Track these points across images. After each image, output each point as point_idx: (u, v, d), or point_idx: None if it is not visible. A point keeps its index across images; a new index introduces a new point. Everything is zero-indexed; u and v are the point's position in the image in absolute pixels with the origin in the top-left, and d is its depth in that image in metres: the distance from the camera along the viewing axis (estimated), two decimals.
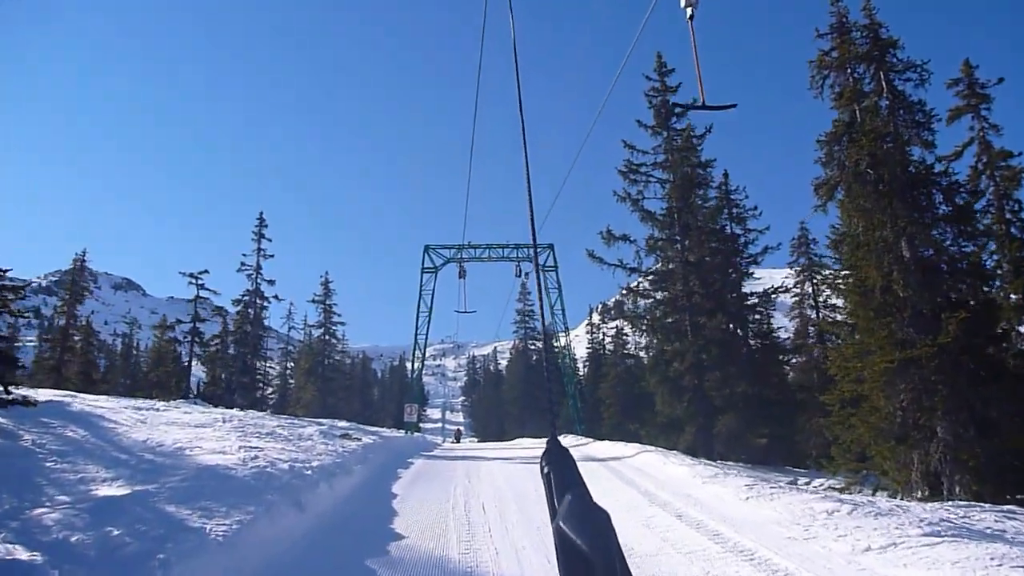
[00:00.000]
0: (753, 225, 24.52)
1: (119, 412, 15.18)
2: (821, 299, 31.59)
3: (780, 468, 20.36)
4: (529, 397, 70.46)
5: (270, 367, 56.18)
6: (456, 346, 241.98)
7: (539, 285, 2.52)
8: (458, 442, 56.49)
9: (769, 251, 23.63)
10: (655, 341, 23.08)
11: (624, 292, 24.05)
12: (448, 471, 15.15)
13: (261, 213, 39.81)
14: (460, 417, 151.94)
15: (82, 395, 20.01)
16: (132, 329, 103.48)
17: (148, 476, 8.86)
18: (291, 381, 55.28)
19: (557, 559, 1.02)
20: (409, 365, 37.91)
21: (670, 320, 22.61)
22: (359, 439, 17.58)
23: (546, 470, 1.25)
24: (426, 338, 35.86)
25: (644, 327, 23.35)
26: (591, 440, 25.24)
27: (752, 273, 24.07)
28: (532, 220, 2.05)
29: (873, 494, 14.35)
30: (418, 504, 10.80)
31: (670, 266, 23.15)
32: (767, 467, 20.05)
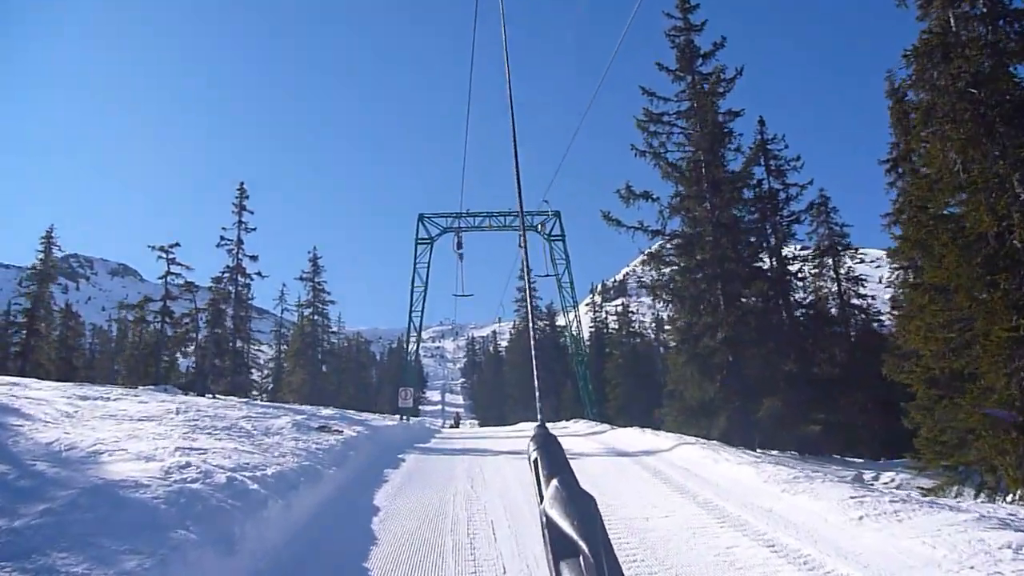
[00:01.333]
0: (794, 179, 21.79)
1: (49, 403, 12.43)
2: (842, 270, 28.75)
3: (834, 459, 17.72)
4: (531, 379, 67.61)
5: (260, 350, 53.53)
6: (455, 328, 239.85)
7: (523, 244, 2.26)
8: (457, 427, 54.00)
9: (812, 208, 20.73)
10: (682, 314, 20.22)
11: (645, 258, 21.22)
12: (446, 471, 12.39)
13: (242, 183, 36.98)
14: (460, 399, 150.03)
15: (27, 381, 17.41)
16: (123, 314, 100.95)
17: (13, 501, 6.08)
18: (285, 365, 52.50)
19: (544, 543, 1.04)
20: (405, 346, 35.00)
21: (699, 289, 19.75)
22: (340, 431, 14.81)
23: (533, 456, 1.20)
24: (421, 316, 32.98)
25: (668, 298, 20.47)
26: (608, 427, 22.46)
27: (795, 234, 21.22)
28: (516, 162, 2.07)
29: (976, 497, 11.62)
30: (406, 524, 8.05)
31: (698, 228, 20.26)
32: (818, 458, 17.38)
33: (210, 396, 22.90)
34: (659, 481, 10.28)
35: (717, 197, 20.05)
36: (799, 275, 20.89)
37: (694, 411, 18.96)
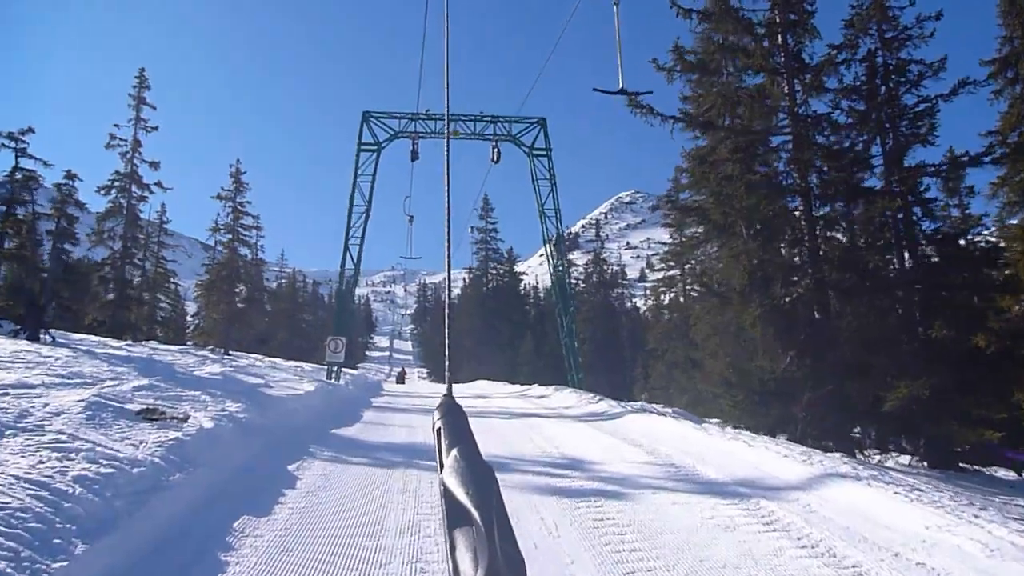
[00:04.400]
0: (921, 54, 14.56)
1: None
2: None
3: (998, 479, 11.72)
4: (487, 330, 61.65)
5: (176, 283, 46.06)
6: (405, 273, 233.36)
7: (446, 160, 1.77)
8: (402, 383, 48.19)
9: (968, 87, 13.73)
10: (747, 250, 13.27)
11: (689, 163, 14.51)
12: (367, 530, 5.91)
13: (142, 70, 29.09)
14: (409, 346, 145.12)
15: None
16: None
17: None
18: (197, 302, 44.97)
19: (441, 510, 1.04)
20: (340, 284, 27.85)
21: (771, 211, 13.08)
22: (183, 419, 8.12)
23: (437, 425, 1.21)
24: (361, 243, 25.81)
25: (722, 221, 13.54)
26: (616, 404, 16.05)
27: (923, 134, 13.96)
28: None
29: None
30: None
31: (773, 121, 13.65)
32: (973, 477, 11.35)
33: (47, 338, 15.89)
34: None
35: (801, 77, 13.52)
36: (927, 194, 14.06)
37: (763, 392, 12.50)
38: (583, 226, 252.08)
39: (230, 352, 31.29)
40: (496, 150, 25.22)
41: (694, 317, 30.68)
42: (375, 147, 25.21)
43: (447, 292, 1.85)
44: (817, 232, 12.98)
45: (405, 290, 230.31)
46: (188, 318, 54.89)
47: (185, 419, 8.08)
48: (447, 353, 1.65)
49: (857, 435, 12.18)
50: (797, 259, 13.03)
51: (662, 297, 47.89)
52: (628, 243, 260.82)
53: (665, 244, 43.16)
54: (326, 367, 22.83)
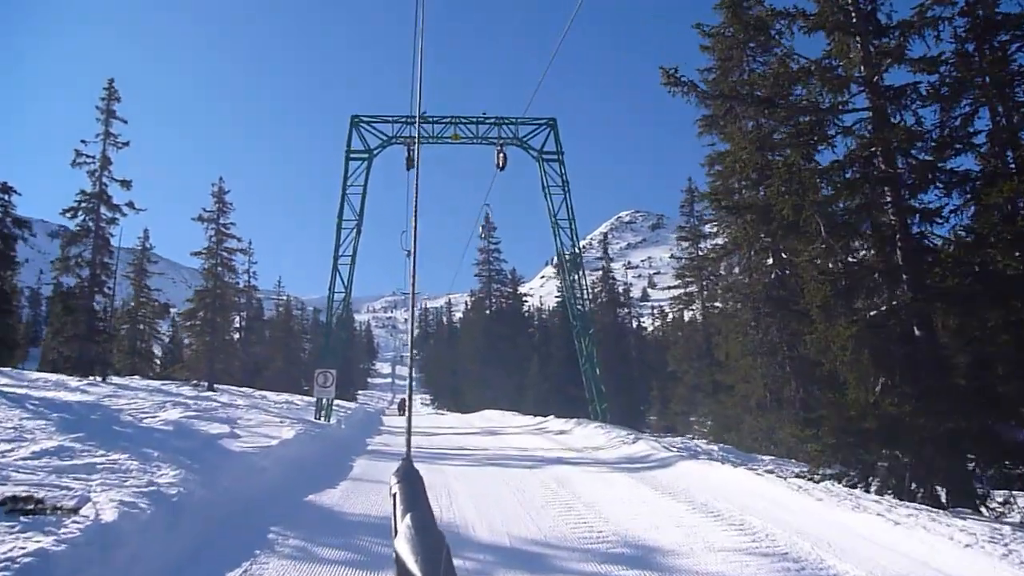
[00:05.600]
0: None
1: None
2: None
3: None
4: (491, 353, 58.89)
5: (176, 312, 43.68)
6: (407, 298, 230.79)
7: (416, 170, 2.06)
8: (403, 413, 46.41)
9: None
10: (825, 252, 10.47)
11: (740, 152, 11.94)
12: None
13: (111, 81, 26.75)
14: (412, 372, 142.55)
15: None
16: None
17: None
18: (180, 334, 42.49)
19: None
20: (328, 308, 24.72)
21: (852, 204, 10.44)
22: (81, 504, 5.54)
23: (394, 491, 1.23)
24: (352, 262, 23.11)
25: (789, 214, 10.77)
26: (658, 447, 13.33)
27: None
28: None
29: None
30: None
31: (842, 97, 11.02)
32: None
33: None
34: None
35: (877, 39, 10.99)
36: None
37: (853, 431, 9.75)
38: (583, 246, 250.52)
39: (215, 387, 28.71)
40: (502, 155, 22.72)
41: (720, 336, 28.13)
42: (366, 155, 22.73)
43: (410, 346, 2.13)
44: (912, 227, 10.43)
45: (405, 318, 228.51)
46: (185, 350, 52.62)
47: (75, 509, 5.50)
48: (408, 415, 1.73)
49: (981, 485, 9.58)
50: (883, 264, 10.46)
51: (669, 315, 45.42)
52: (629, 262, 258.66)
53: (680, 259, 40.54)
54: (317, 400, 20.25)
